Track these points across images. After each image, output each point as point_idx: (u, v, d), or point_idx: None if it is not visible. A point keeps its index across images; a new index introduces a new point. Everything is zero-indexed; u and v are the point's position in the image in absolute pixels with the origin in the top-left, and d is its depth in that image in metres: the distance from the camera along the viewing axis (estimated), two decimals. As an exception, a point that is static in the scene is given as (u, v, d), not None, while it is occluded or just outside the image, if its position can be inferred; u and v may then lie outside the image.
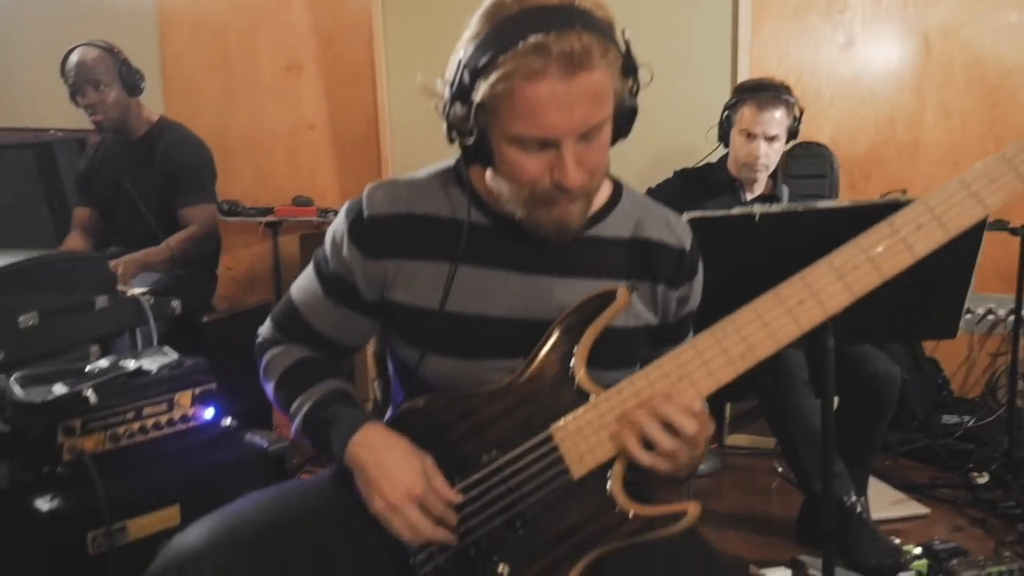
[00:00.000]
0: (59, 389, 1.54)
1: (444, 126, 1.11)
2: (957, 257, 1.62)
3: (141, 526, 1.51)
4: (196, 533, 1.05)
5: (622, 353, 1.19)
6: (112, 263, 2.52)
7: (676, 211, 1.28)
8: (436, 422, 1.17)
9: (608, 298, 1.12)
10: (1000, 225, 2.69)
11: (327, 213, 3.65)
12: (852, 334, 1.69)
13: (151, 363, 1.66)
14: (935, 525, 2.50)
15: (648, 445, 1.05)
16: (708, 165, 2.69)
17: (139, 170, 2.85)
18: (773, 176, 2.61)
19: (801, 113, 2.53)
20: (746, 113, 2.49)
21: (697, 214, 1.51)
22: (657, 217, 1.24)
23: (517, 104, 1.01)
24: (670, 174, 2.72)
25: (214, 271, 3.07)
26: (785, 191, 2.61)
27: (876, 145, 3.32)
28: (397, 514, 1.09)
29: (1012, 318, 2.80)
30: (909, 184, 3.24)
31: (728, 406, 3.15)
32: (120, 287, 2.20)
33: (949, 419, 3.13)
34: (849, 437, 2.20)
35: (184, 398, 1.65)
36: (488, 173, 1.16)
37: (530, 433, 1.12)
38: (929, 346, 3.33)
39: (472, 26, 1.05)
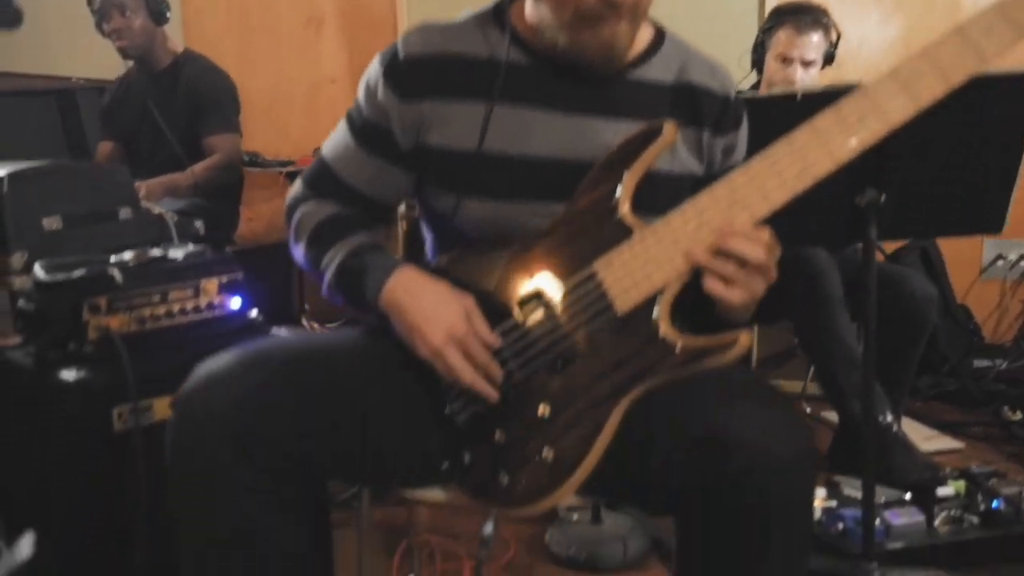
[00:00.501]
0: (84, 271, 1.51)
1: None
2: (1004, 146, 1.58)
3: (166, 407, 1.48)
4: (225, 358, 1.02)
5: (667, 200, 1.15)
6: (136, 184, 2.52)
7: None
8: (475, 268, 1.14)
9: (654, 133, 1.08)
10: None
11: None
12: (896, 228, 1.64)
13: (177, 252, 1.63)
14: (969, 459, 2.45)
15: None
16: (739, 92, 2.63)
17: (163, 100, 2.84)
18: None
19: (838, 38, 2.47)
20: (782, 37, 2.43)
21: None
22: (701, 63, 1.21)
23: None
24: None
25: (237, 206, 3.06)
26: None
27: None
28: (439, 358, 1.06)
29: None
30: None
31: (755, 349, 3.10)
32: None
33: (980, 363, 3.08)
34: (885, 359, 2.14)
35: (211, 285, 1.62)
36: (528, 5, 1.12)
37: (573, 272, 1.08)
38: (960, 292, 3.27)
39: None
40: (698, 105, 1.18)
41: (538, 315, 1.09)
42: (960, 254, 3.29)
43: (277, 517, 0.98)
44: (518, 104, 1.14)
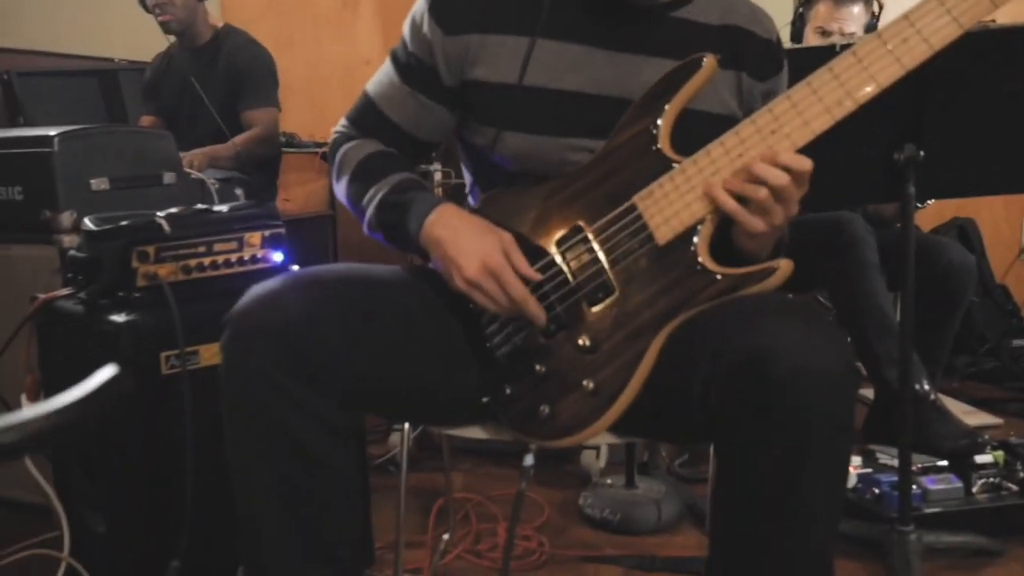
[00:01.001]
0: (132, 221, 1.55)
1: None
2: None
3: (212, 353, 1.51)
4: (277, 279, 1.05)
5: (706, 141, 1.16)
6: (180, 155, 2.57)
7: None
8: (513, 206, 1.16)
9: (694, 66, 1.09)
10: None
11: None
12: (946, 185, 1.62)
13: (221, 207, 1.67)
14: (1007, 434, 2.42)
15: (742, 202, 1.01)
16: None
17: (204, 74, 2.89)
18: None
19: (880, 9, 2.45)
20: (822, 9, 2.41)
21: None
22: (744, 6, 1.21)
23: None
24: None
25: (275, 180, 3.11)
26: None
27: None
28: (475, 289, 1.07)
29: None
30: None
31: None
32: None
33: (1019, 343, 3.04)
34: (922, 329, 2.12)
35: (254, 238, 1.65)
36: None
37: (612, 206, 1.09)
38: (999, 272, 3.23)
39: None
40: (741, 48, 1.18)
41: (577, 250, 1.10)
42: (999, 233, 3.25)
43: (326, 436, 1.01)
44: (561, 38, 1.15)
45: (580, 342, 1.08)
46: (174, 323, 1.46)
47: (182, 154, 2.59)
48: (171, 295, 1.47)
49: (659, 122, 1.09)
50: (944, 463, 1.92)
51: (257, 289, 1.03)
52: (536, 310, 1.07)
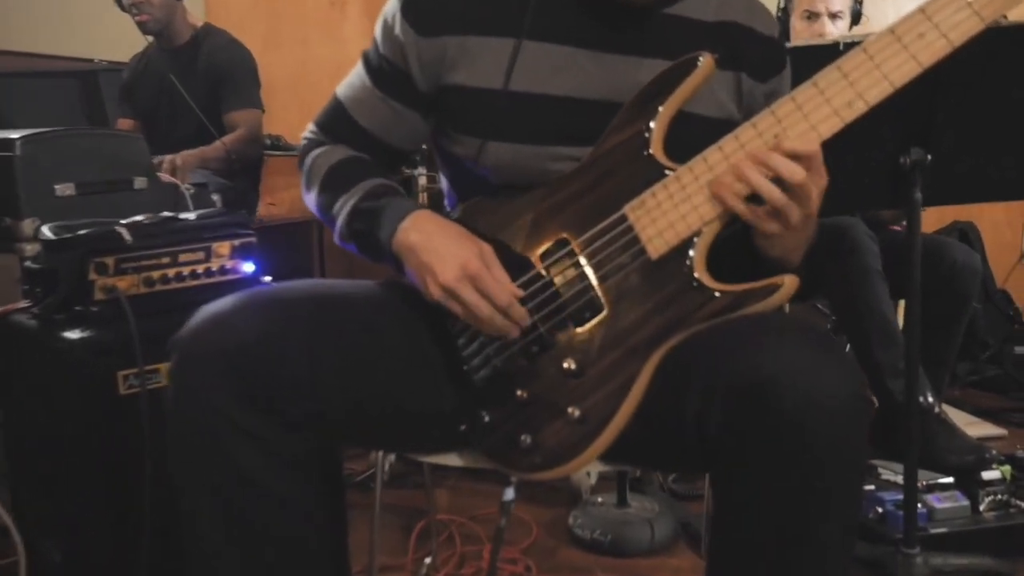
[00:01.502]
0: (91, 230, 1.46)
1: None
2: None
3: (175, 371, 1.42)
4: (230, 299, 0.96)
5: (703, 148, 1.07)
6: (170, 157, 2.49)
7: None
8: (495, 217, 1.07)
9: (689, 66, 1.00)
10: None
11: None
12: (960, 189, 1.54)
13: (189, 214, 1.58)
14: (1012, 446, 2.34)
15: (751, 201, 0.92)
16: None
17: (183, 76, 2.80)
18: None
19: None
20: None
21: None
22: (740, 1, 1.12)
23: None
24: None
25: (256, 185, 3.02)
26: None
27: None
28: (452, 297, 0.98)
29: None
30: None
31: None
32: (178, 179, 2.15)
33: (1022, 350, 2.96)
34: (926, 334, 2.04)
35: (223, 248, 1.56)
36: None
37: (601, 217, 1.00)
38: (1000, 276, 3.16)
39: None
40: (740, 46, 1.09)
41: (563, 264, 1.01)
42: (1000, 237, 3.17)
43: (280, 469, 0.91)
44: (547, 40, 1.06)
45: (565, 365, 0.99)
46: (132, 340, 1.36)
47: (170, 156, 2.52)
48: (129, 310, 1.38)
49: (652, 125, 1.00)
50: (949, 480, 1.84)
51: (208, 308, 0.94)
52: (522, 317, 0.98)
